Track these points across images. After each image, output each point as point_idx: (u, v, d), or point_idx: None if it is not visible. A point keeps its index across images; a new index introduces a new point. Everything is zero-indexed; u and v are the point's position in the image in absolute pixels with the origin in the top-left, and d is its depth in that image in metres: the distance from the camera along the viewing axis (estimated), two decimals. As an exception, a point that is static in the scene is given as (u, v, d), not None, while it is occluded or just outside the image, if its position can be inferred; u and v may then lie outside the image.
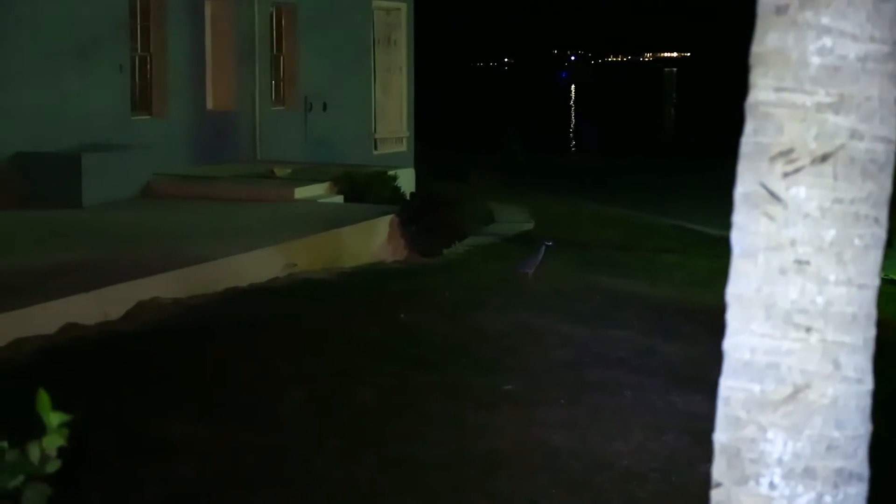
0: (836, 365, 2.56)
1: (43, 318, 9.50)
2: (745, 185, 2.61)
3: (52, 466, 2.66)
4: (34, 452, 2.65)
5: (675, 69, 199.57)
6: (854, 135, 2.52)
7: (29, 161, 15.92)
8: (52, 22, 16.64)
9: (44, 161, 15.91)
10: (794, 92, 2.54)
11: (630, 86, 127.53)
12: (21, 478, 2.62)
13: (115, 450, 6.96)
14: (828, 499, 2.57)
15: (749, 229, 2.60)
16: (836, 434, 2.56)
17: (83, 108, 17.13)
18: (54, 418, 2.67)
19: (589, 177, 29.62)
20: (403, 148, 25.32)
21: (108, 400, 7.81)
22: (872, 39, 2.52)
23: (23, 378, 7.97)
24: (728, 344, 2.64)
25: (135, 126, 18.31)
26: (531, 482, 6.85)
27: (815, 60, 2.53)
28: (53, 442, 2.66)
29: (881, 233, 2.58)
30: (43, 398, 2.66)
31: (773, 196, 2.55)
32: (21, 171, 15.91)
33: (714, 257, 15.20)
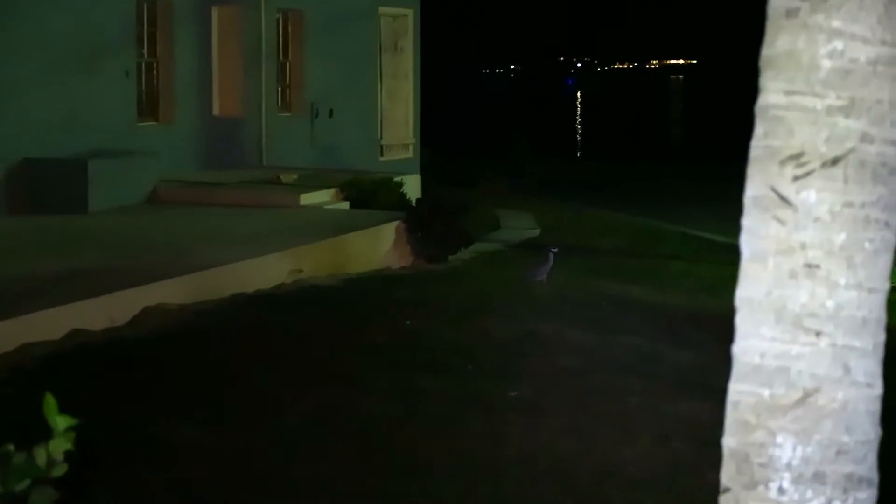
0: (846, 369, 2.54)
1: (49, 324, 9.50)
2: (754, 188, 2.60)
3: (59, 470, 2.65)
4: (41, 456, 2.64)
5: (681, 76, 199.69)
6: (865, 138, 2.51)
7: (36, 167, 15.94)
8: (59, 28, 16.66)
9: (50, 167, 15.93)
10: (805, 95, 2.53)
11: (636, 93, 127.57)
12: (28, 481, 2.61)
13: (122, 455, 6.96)
14: (837, 504, 2.56)
15: (759, 233, 2.59)
16: (845, 439, 2.55)
17: (90, 114, 17.15)
18: (61, 422, 2.66)
19: (595, 183, 29.61)
20: (409, 154, 25.32)
21: (114, 405, 7.81)
22: (883, 42, 2.51)
23: (29, 383, 7.98)
24: (737, 348, 2.63)
25: (141, 132, 18.33)
26: (538, 489, 6.84)
27: (826, 63, 2.52)
28: (60, 446, 2.65)
29: (891, 237, 2.57)
30: (50, 402, 2.65)
31: (784, 200, 2.54)
32: (28, 176, 15.93)
33: (721, 264, 15.17)
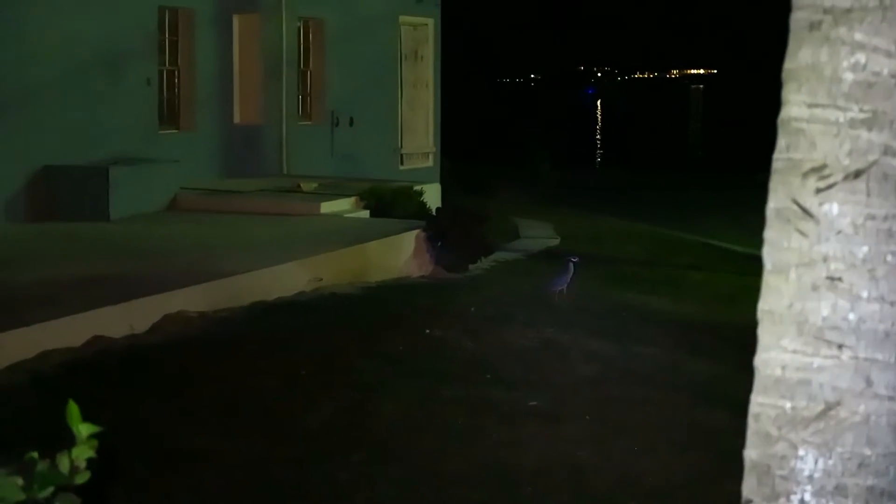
0: (868, 382, 2.54)
1: (70, 331, 9.53)
2: (777, 200, 2.60)
3: (82, 478, 2.66)
4: (64, 463, 2.65)
5: (701, 86, 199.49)
6: (887, 151, 2.51)
7: (57, 174, 16.00)
8: (80, 36, 16.73)
9: (72, 174, 15.99)
10: (827, 108, 2.53)
11: (656, 102, 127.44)
12: (51, 489, 2.62)
13: (143, 461, 6.98)
14: (859, 517, 2.55)
15: (781, 245, 2.59)
16: (867, 452, 2.55)
17: (111, 121, 17.21)
18: (84, 429, 2.67)
19: (615, 192, 29.59)
20: (430, 163, 25.32)
21: (135, 412, 7.83)
22: (906, 56, 2.51)
23: (50, 390, 8.00)
24: (759, 360, 2.63)
25: (162, 140, 18.38)
26: (556, 498, 6.83)
27: (849, 76, 2.52)
28: (83, 453, 2.66)
29: (914, 250, 2.57)
30: (73, 409, 2.66)
31: (806, 212, 2.54)
32: (49, 184, 15.99)
33: (740, 274, 15.15)
